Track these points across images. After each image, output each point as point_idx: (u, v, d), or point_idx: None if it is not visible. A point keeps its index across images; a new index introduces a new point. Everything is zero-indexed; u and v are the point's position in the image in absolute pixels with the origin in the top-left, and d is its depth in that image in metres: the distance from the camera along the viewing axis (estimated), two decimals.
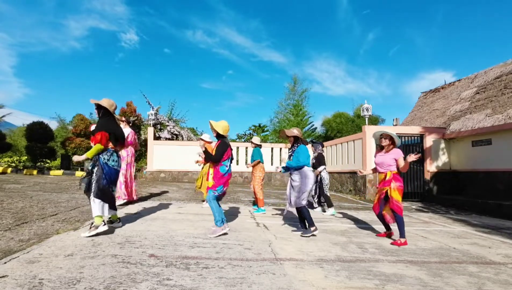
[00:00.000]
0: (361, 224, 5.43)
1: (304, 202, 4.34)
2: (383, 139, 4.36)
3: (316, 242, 3.94)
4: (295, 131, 4.51)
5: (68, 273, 2.45)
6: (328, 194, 6.73)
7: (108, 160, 3.84)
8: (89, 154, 3.74)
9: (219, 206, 4.19)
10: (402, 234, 4.09)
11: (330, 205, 6.58)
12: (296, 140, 4.50)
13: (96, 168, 3.80)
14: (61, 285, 2.21)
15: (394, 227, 4.35)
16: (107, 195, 3.81)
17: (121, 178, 5.87)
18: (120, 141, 4.07)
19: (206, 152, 4.35)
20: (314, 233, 4.25)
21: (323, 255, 3.38)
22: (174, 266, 2.76)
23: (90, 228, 3.67)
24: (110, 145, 3.91)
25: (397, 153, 4.27)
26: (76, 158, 3.79)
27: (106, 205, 3.80)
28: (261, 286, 2.41)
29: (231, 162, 4.34)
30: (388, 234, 4.47)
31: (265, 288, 2.38)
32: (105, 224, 3.74)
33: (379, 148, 4.48)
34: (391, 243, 4.10)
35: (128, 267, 2.65)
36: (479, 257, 3.61)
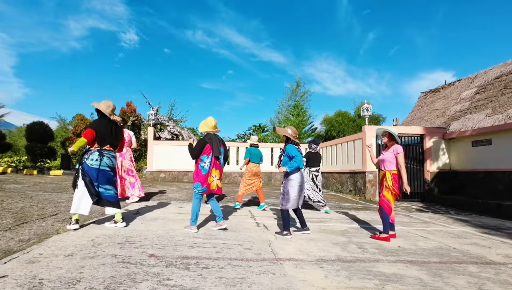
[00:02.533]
0: (361, 224, 5.42)
1: (288, 206, 4.22)
2: (383, 137, 4.49)
3: (316, 242, 3.94)
4: (288, 131, 4.42)
5: (68, 273, 2.45)
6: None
7: (87, 159, 4.03)
8: (75, 147, 4.01)
9: (199, 204, 4.27)
10: (384, 230, 4.25)
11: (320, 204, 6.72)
12: (287, 140, 4.43)
13: (79, 167, 4.06)
14: (61, 285, 2.21)
15: (398, 227, 4.41)
16: (85, 193, 3.96)
17: (131, 179, 6.46)
18: (107, 141, 4.16)
19: (190, 146, 4.38)
20: (287, 237, 4.15)
21: (323, 255, 3.38)
22: (174, 266, 2.76)
23: (71, 223, 3.97)
24: (95, 145, 4.09)
25: (396, 149, 4.32)
26: (70, 149, 4.13)
27: (83, 204, 3.97)
28: (261, 286, 2.41)
29: (214, 160, 4.24)
30: (391, 235, 4.35)
31: (265, 288, 2.38)
32: (76, 223, 3.96)
33: (384, 146, 4.54)
34: (371, 236, 4.31)
35: (128, 267, 2.65)
36: (479, 257, 3.61)
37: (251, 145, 6.82)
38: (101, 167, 4.06)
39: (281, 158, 4.58)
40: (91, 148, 4.09)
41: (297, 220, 4.63)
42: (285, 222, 4.24)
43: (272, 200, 8.34)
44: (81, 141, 3.95)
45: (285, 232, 4.21)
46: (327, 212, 6.53)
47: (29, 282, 2.24)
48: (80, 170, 4.02)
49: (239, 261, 2.99)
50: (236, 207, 6.57)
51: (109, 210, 4.14)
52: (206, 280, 2.47)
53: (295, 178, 4.25)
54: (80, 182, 3.99)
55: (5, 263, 2.60)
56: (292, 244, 3.77)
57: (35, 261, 2.69)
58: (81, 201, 3.96)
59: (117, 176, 4.63)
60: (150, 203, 6.65)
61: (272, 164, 13.83)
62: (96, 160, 4.05)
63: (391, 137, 4.42)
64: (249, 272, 2.71)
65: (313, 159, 6.87)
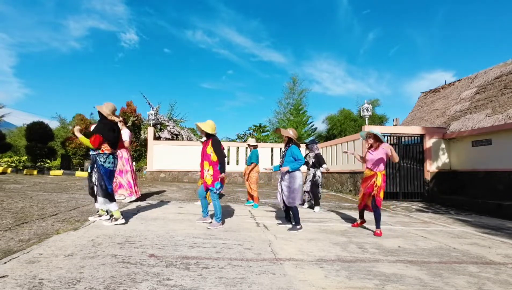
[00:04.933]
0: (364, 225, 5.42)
1: (297, 202, 4.60)
2: (368, 139, 4.69)
3: (316, 242, 3.94)
4: (290, 133, 4.73)
5: (68, 273, 2.45)
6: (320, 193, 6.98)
7: (104, 162, 4.25)
8: (82, 139, 4.26)
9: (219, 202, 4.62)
10: (378, 226, 4.61)
11: (318, 203, 6.84)
12: (289, 141, 4.74)
13: (95, 170, 4.25)
14: (61, 285, 2.22)
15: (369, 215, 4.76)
16: (110, 193, 4.31)
17: (130, 178, 6.51)
18: (113, 144, 4.41)
19: (221, 154, 4.62)
20: (300, 230, 4.52)
21: (323, 255, 3.38)
22: (174, 266, 2.76)
23: (111, 220, 4.28)
24: (107, 148, 4.29)
25: (387, 147, 4.56)
26: (76, 129, 4.40)
27: (113, 202, 4.32)
28: (261, 286, 2.41)
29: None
30: (361, 222, 5.01)
31: (265, 288, 2.38)
32: (123, 218, 4.34)
33: (369, 146, 4.67)
34: (374, 234, 4.56)
35: (128, 267, 2.65)
36: (479, 257, 3.61)
37: (254, 147, 7.01)
38: (114, 169, 4.41)
39: (285, 158, 4.74)
40: (105, 151, 4.27)
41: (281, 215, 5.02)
42: (298, 217, 4.58)
43: (273, 200, 8.34)
44: (87, 144, 4.20)
45: (298, 226, 4.54)
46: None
47: (29, 282, 2.24)
48: (96, 173, 4.23)
49: (239, 261, 2.99)
50: (256, 208, 6.77)
51: (100, 204, 4.34)
52: (206, 280, 2.47)
53: (300, 176, 4.63)
54: (99, 186, 4.24)
55: (5, 263, 2.60)
56: (292, 244, 3.78)
57: (35, 261, 2.69)
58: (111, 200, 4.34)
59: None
60: (150, 203, 6.65)
61: (272, 164, 13.83)
62: (113, 163, 4.36)
63: (376, 138, 4.61)
64: (249, 272, 2.71)
65: (323, 160, 7.18)
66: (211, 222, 4.58)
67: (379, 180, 4.52)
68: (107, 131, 4.29)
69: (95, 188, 4.25)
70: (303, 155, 6.04)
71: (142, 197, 7.30)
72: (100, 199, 4.24)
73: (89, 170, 4.39)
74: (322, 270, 2.87)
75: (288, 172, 4.59)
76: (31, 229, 3.79)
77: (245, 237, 4.04)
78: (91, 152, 4.34)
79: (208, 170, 4.46)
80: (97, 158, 4.23)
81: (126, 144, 6.48)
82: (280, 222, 4.84)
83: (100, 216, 4.49)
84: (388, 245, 3.97)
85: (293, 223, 4.66)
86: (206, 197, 4.68)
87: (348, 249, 3.70)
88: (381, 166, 4.55)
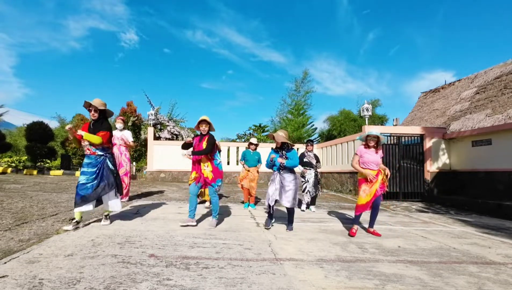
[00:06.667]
0: (361, 224, 5.42)
1: (296, 203, 4.66)
2: (371, 140, 4.56)
3: (316, 242, 3.94)
4: (284, 136, 4.60)
5: (68, 273, 2.45)
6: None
7: (113, 160, 4.35)
8: (88, 137, 4.01)
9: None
10: (373, 224, 4.72)
11: (315, 203, 6.99)
12: (284, 143, 4.61)
13: (113, 168, 4.23)
14: (61, 285, 2.22)
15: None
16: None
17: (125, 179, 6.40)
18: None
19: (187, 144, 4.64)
20: (293, 229, 4.65)
21: (323, 255, 3.38)
22: (174, 266, 2.76)
23: (107, 218, 4.35)
24: (110, 147, 4.36)
25: (381, 152, 4.64)
26: (68, 129, 4.02)
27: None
28: (261, 286, 2.41)
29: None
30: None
31: (265, 288, 2.38)
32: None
33: (367, 146, 4.58)
34: (373, 233, 4.59)
35: (128, 267, 2.65)
36: (479, 257, 3.61)
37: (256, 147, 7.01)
38: None
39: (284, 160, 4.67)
40: (109, 150, 4.31)
41: (273, 217, 4.94)
42: (293, 217, 4.71)
43: None
44: (98, 141, 4.03)
45: (292, 225, 4.67)
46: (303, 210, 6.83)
47: (29, 282, 2.24)
48: (115, 171, 4.27)
49: (239, 261, 2.99)
50: (253, 208, 6.90)
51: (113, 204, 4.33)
52: (206, 280, 2.47)
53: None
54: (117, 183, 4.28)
55: (5, 263, 2.61)
56: (292, 244, 3.78)
57: (35, 261, 2.69)
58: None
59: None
60: (150, 203, 6.65)
61: None
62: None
63: (378, 142, 4.59)
64: (249, 272, 2.71)
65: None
66: (196, 225, 4.51)
67: (386, 178, 4.59)
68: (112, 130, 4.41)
69: (111, 187, 4.15)
70: (299, 155, 6.01)
71: (142, 197, 7.30)
72: (117, 197, 4.28)
73: (112, 168, 4.19)
74: (322, 270, 2.87)
75: (291, 173, 4.59)
76: (31, 229, 3.79)
77: (245, 237, 4.04)
78: (101, 152, 4.12)
79: (207, 166, 4.45)
80: (109, 157, 4.22)
81: (132, 144, 6.53)
82: (269, 227, 4.69)
83: (78, 223, 4.03)
84: (388, 245, 3.97)
85: (288, 223, 4.71)
86: (197, 196, 4.58)
87: (348, 249, 3.70)
88: (380, 165, 4.64)
